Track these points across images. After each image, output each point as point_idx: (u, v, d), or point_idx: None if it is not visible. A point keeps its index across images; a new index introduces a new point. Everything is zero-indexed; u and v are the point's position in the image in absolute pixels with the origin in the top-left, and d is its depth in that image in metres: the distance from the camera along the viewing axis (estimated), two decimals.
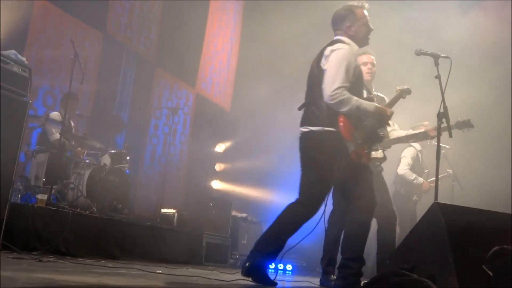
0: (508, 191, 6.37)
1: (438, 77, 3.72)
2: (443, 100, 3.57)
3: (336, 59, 3.38)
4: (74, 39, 5.73)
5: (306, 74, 3.69)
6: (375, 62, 4.55)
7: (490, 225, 2.60)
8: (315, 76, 3.47)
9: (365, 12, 3.66)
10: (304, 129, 3.49)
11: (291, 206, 3.47)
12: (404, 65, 6.98)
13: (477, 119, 4.03)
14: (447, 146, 5.94)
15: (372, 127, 3.53)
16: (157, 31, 8.70)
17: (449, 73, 3.64)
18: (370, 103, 3.51)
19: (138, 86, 8.22)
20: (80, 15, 7.06)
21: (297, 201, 3.48)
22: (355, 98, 3.36)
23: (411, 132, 4.81)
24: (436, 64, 3.70)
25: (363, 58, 4.45)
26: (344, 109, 3.33)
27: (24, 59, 4.13)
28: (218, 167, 10.33)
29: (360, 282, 3.36)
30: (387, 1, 7.11)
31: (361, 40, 3.65)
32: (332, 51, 3.42)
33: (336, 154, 3.37)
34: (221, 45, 10.42)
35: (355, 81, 3.45)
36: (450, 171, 6.48)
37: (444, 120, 3.57)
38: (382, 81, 7.10)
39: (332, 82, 3.31)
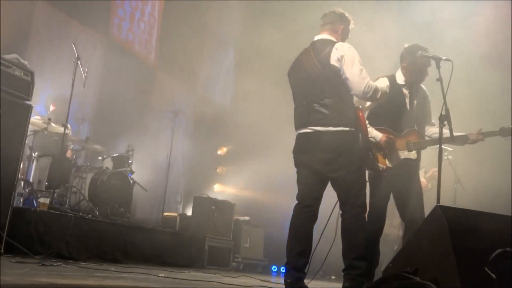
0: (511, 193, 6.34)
1: (439, 79, 3.71)
2: (444, 103, 3.56)
3: (354, 55, 3.44)
4: (76, 42, 5.74)
5: None
6: None
7: (493, 227, 2.59)
8: (321, 73, 3.45)
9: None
10: (320, 128, 3.41)
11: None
12: None
13: (479, 121, 4.02)
14: (449, 149, 5.91)
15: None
16: (158, 35, 8.72)
17: (451, 75, 3.63)
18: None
19: (139, 90, 8.24)
20: (82, 19, 7.08)
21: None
22: (374, 83, 3.48)
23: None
24: (438, 67, 3.69)
25: None
26: (378, 95, 3.48)
27: (26, 63, 4.14)
28: (220, 170, 10.33)
29: (364, 283, 3.30)
30: (388, 1, 7.11)
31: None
32: (343, 48, 3.45)
33: (359, 153, 3.46)
34: (221, 47, 10.44)
35: None
36: (450, 157, 6.41)
37: (446, 122, 3.56)
38: None
39: (362, 78, 3.40)
